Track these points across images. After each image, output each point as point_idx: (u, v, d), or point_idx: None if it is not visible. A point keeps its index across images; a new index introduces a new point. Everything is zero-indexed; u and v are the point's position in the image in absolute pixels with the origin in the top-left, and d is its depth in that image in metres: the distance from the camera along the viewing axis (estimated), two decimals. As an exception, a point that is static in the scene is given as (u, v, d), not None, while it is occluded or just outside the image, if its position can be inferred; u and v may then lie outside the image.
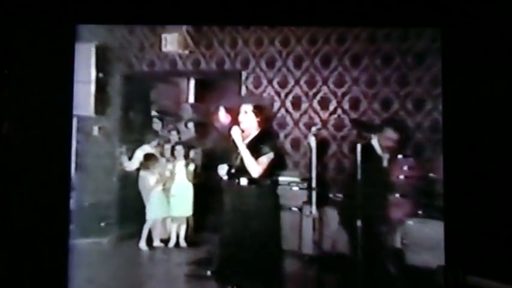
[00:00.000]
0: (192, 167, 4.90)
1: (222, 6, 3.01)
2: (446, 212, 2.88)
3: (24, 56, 2.90)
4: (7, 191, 2.86)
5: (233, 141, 3.30)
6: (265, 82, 5.05)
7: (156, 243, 4.83)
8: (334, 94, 4.86)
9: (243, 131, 3.35)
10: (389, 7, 2.91)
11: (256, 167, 3.20)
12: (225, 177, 3.31)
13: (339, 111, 4.84)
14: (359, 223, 3.75)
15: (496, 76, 2.79)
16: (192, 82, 5.62)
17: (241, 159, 3.28)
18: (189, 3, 3.02)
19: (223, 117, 4.40)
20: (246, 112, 3.34)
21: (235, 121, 3.50)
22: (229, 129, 3.40)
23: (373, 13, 2.98)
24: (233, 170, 3.27)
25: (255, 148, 3.27)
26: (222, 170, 3.32)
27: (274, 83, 5.02)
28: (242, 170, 3.26)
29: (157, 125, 5.13)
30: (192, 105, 5.61)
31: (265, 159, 3.26)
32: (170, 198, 4.86)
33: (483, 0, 2.80)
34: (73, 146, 3.14)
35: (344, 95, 4.87)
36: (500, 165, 2.77)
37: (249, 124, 3.34)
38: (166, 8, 3.02)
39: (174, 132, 5.13)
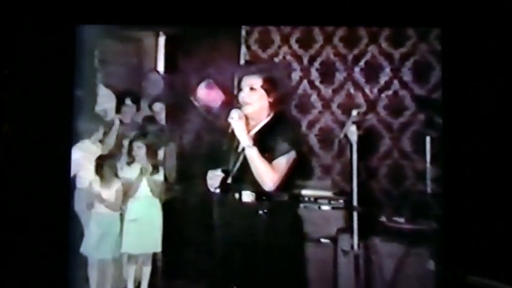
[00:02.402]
0: (160, 175, 4.00)
1: (225, 6, 3.20)
2: (446, 212, 3.08)
3: (24, 56, 3.16)
4: (6, 191, 3.08)
5: (232, 133, 2.78)
6: (277, 39, 4.26)
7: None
8: (389, 57, 4.04)
9: (246, 118, 2.78)
10: (388, 7, 3.15)
11: (270, 175, 2.66)
12: (217, 191, 2.75)
13: (396, 84, 4.04)
14: (432, 266, 3.27)
15: (496, 76, 3.02)
16: (162, 39, 4.68)
17: (244, 162, 2.72)
18: (192, 3, 3.20)
19: (212, 95, 4.05)
20: (252, 88, 2.77)
21: (230, 101, 3.37)
22: (225, 113, 2.87)
23: (373, 13, 3.20)
24: (230, 179, 2.71)
25: (266, 144, 2.71)
26: (214, 179, 2.76)
27: (292, 40, 4.24)
28: (245, 179, 2.70)
29: (130, 109, 4.20)
30: (161, 76, 4.71)
31: (284, 161, 2.69)
32: (126, 224, 3.91)
33: (483, 0, 3.04)
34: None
35: (404, 57, 4.02)
36: (500, 165, 2.98)
37: (256, 106, 2.77)
38: (168, 8, 3.21)
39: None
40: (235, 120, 2.70)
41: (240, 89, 2.81)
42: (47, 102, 3.16)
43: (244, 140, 2.68)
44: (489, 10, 3.02)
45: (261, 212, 2.66)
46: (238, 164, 2.74)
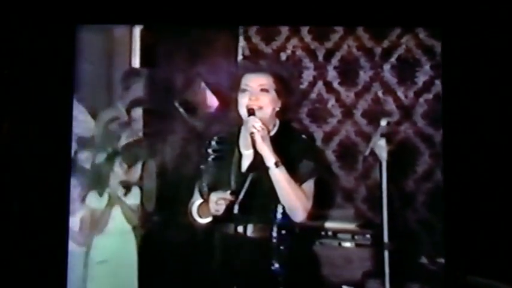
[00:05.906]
0: (135, 199, 3.57)
1: (227, 6, 3.32)
2: (446, 212, 3.19)
3: (24, 56, 3.31)
4: (6, 191, 3.22)
5: (237, 150, 2.56)
6: (285, 29, 3.89)
7: None
8: (428, 51, 3.67)
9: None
10: (387, 6, 3.26)
11: (304, 202, 2.48)
12: (205, 221, 2.55)
13: (438, 85, 3.61)
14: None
15: (496, 76, 3.13)
16: (138, 30, 4.28)
17: (252, 186, 2.47)
18: (193, 4, 3.33)
19: (202, 99, 3.91)
20: (264, 89, 2.54)
21: (225, 107, 2.97)
22: (219, 122, 3.09)
23: (373, 12, 3.30)
24: (237, 207, 2.43)
25: (289, 163, 2.52)
26: (220, 203, 2.43)
27: (304, 31, 3.84)
28: (253, 208, 2.46)
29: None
30: (138, 74, 4.20)
31: (313, 185, 2.55)
32: (92, 268, 3.48)
33: (483, 0, 3.17)
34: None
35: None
36: (500, 165, 3.10)
37: (267, 112, 2.54)
38: (168, 8, 3.33)
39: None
40: (259, 132, 2.43)
41: (241, 90, 2.51)
42: (47, 102, 3.31)
43: (270, 157, 2.43)
44: (490, 10, 3.09)
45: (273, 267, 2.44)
46: (244, 189, 2.46)
